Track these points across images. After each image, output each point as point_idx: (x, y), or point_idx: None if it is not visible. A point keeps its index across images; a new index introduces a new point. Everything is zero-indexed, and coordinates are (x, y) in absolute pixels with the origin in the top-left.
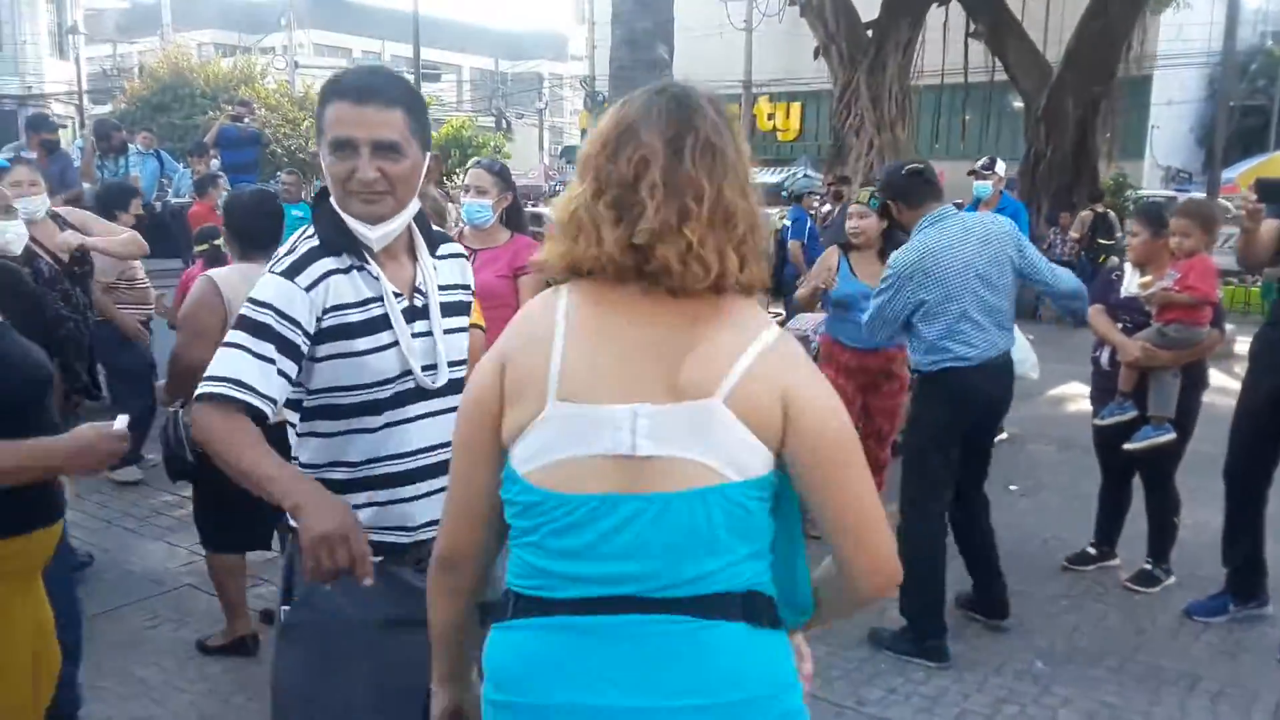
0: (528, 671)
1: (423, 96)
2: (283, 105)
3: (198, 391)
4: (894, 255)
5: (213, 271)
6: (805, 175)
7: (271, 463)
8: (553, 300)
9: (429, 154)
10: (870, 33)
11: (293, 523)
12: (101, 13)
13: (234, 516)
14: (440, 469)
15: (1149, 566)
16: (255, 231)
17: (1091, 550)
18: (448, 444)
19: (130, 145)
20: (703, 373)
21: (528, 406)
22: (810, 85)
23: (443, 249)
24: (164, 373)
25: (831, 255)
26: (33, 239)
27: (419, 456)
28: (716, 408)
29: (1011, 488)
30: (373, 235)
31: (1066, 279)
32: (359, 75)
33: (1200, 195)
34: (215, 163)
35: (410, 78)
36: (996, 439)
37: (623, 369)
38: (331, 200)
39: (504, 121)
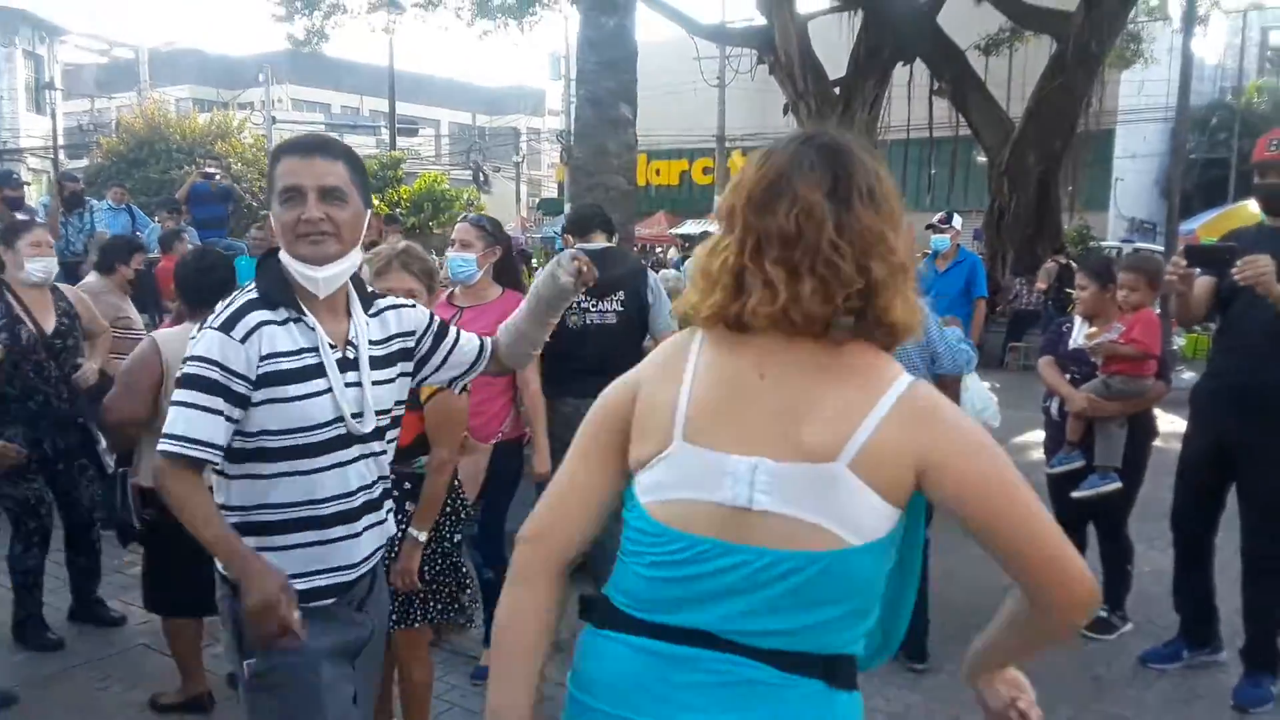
0: (612, 682)
1: (361, 161)
2: (259, 160)
3: (159, 448)
4: None
5: (157, 332)
6: None
7: (224, 534)
8: (688, 340)
9: (369, 211)
10: (838, 90)
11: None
12: (80, 68)
13: (183, 580)
14: (369, 508)
15: (1105, 614)
16: (200, 289)
17: None
18: (370, 484)
19: (90, 200)
20: (827, 434)
21: (656, 438)
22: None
23: (377, 305)
24: None
25: None
26: (22, 304)
27: (351, 498)
28: (840, 472)
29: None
30: (319, 276)
31: (949, 349)
32: (306, 136)
33: (1148, 249)
34: (186, 220)
35: (387, 133)
36: None
37: (749, 418)
38: (280, 255)
39: (481, 175)
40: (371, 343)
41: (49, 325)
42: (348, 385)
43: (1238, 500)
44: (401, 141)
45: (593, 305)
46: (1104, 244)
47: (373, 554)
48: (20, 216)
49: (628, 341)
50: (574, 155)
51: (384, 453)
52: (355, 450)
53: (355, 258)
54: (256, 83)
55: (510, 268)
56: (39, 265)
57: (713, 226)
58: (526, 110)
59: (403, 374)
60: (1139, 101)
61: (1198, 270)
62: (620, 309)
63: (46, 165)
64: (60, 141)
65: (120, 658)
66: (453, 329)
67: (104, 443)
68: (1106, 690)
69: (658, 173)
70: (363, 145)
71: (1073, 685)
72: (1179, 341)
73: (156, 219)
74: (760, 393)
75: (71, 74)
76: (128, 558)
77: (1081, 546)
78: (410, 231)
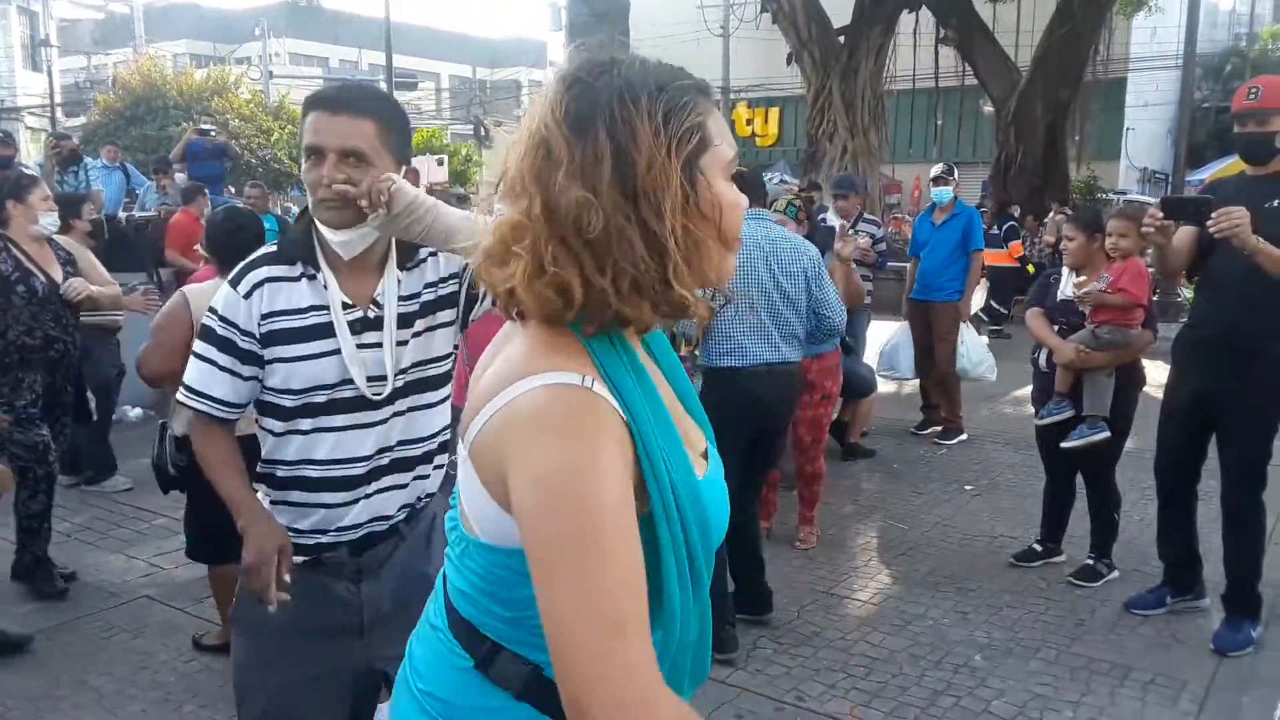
0: None
1: (404, 113)
2: (257, 115)
3: (181, 398)
4: None
5: (187, 287)
6: (782, 180)
7: (237, 485)
8: None
9: (405, 168)
10: (842, 39)
11: None
12: (75, 24)
13: (227, 527)
14: (381, 473)
15: (1091, 561)
16: (228, 248)
17: (1037, 547)
18: (387, 448)
19: (87, 159)
20: (469, 412)
21: None
22: (788, 90)
23: (419, 255)
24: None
25: None
26: (29, 258)
27: (358, 464)
28: (464, 455)
29: (966, 488)
30: (336, 240)
31: (832, 319)
32: (337, 87)
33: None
34: (181, 176)
35: (384, 86)
36: (955, 440)
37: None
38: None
39: (483, 129)
40: (402, 299)
41: (57, 275)
42: (364, 346)
43: (1218, 449)
44: (400, 96)
45: None
46: (1110, 194)
47: (374, 520)
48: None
49: None
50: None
51: (427, 407)
52: (366, 415)
53: (376, 221)
54: (253, 37)
55: None
56: (51, 220)
57: None
58: (528, 62)
59: (442, 324)
60: (1151, 49)
61: (1173, 223)
62: None
63: (44, 123)
64: (57, 99)
65: (125, 609)
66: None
67: (88, 389)
68: (1089, 634)
69: None
70: None
71: (1057, 629)
72: (1186, 293)
73: (151, 178)
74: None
75: (67, 30)
76: (128, 509)
77: (1070, 496)
78: None
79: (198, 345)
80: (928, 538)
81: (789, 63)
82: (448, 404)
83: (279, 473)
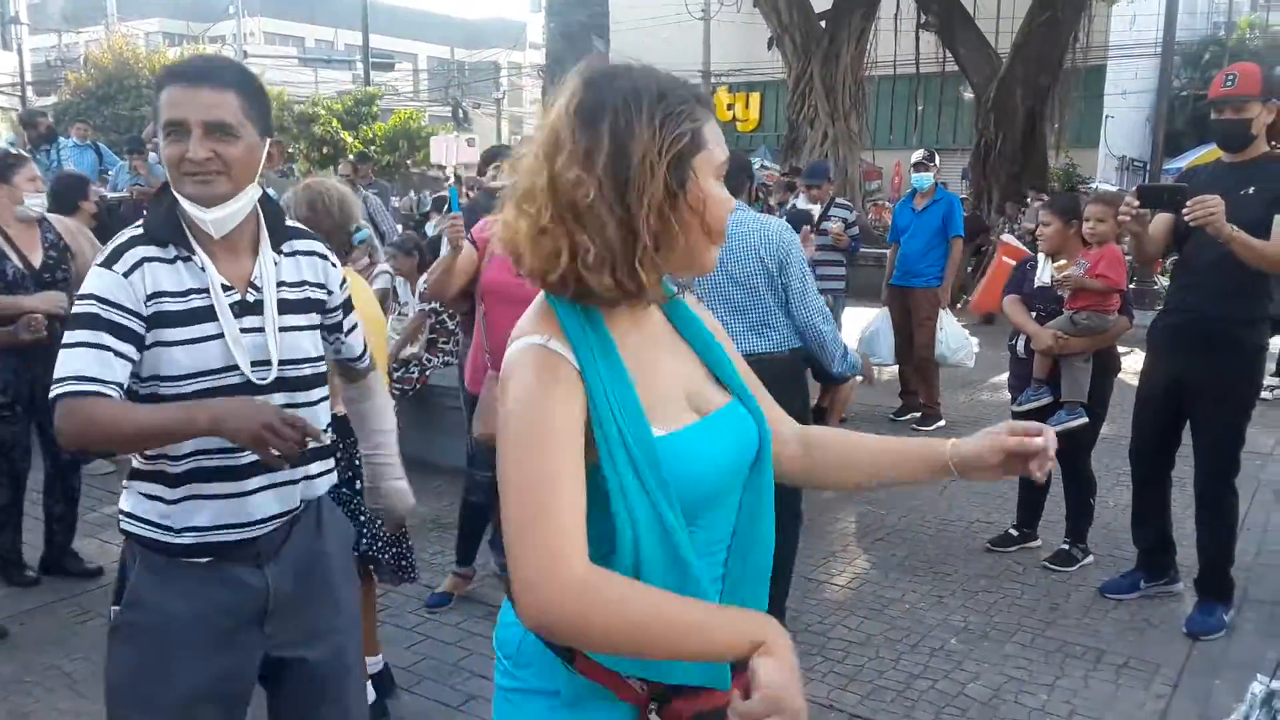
0: None
1: (263, 85)
2: None
3: (51, 395)
4: None
5: None
6: (763, 165)
7: (159, 409)
8: None
9: (269, 139)
10: (824, 23)
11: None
12: (46, 1)
13: None
14: (264, 467)
15: (1066, 546)
16: None
17: (1013, 532)
18: None
19: (59, 138)
20: None
21: None
22: (769, 75)
23: (293, 244)
24: None
25: None
26: (8, 239)
27: (246, 453)
28: None
29: None
30: (208, 218)
31: (813, 318)
32: (193, 60)
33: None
34: (154, 156)
35: (361, 66)
36: (933, 426)
37: None
38: (172, 190)
39: (461, 111)
40: (282, 285)
41: (36, 259)
42: (245, 330)
43: (1191, 434)
44: (377, 76)
45: None
46: (1089, 184)
47: (276, 516)
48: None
49: None
50: (546, 90)
51: (308, 405)
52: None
53: (251, 194)
54: (227, 15)
55: None
56: (37, 201)
57: None
58: (507, 44)
59: (314, 326)
60: (1131, 36)
61: (1149, 211)
62: None
63: (14, 102)
64: (28, 78)
65: (100, 593)
66: (353, 315)
67: None
68: (1064, 618)
69: None
70: (338, 81)
71: (1032, 613)
72: (1163, 281)
73: (123, 158)
74: None
75: (37, 8)
76: (100, 493)
77: (1046, 483)
78: (385, 170)
79: (79, 334)
80: (905, 523)
81: (770, 47)
82: (325, 405)
83: (171, 469)
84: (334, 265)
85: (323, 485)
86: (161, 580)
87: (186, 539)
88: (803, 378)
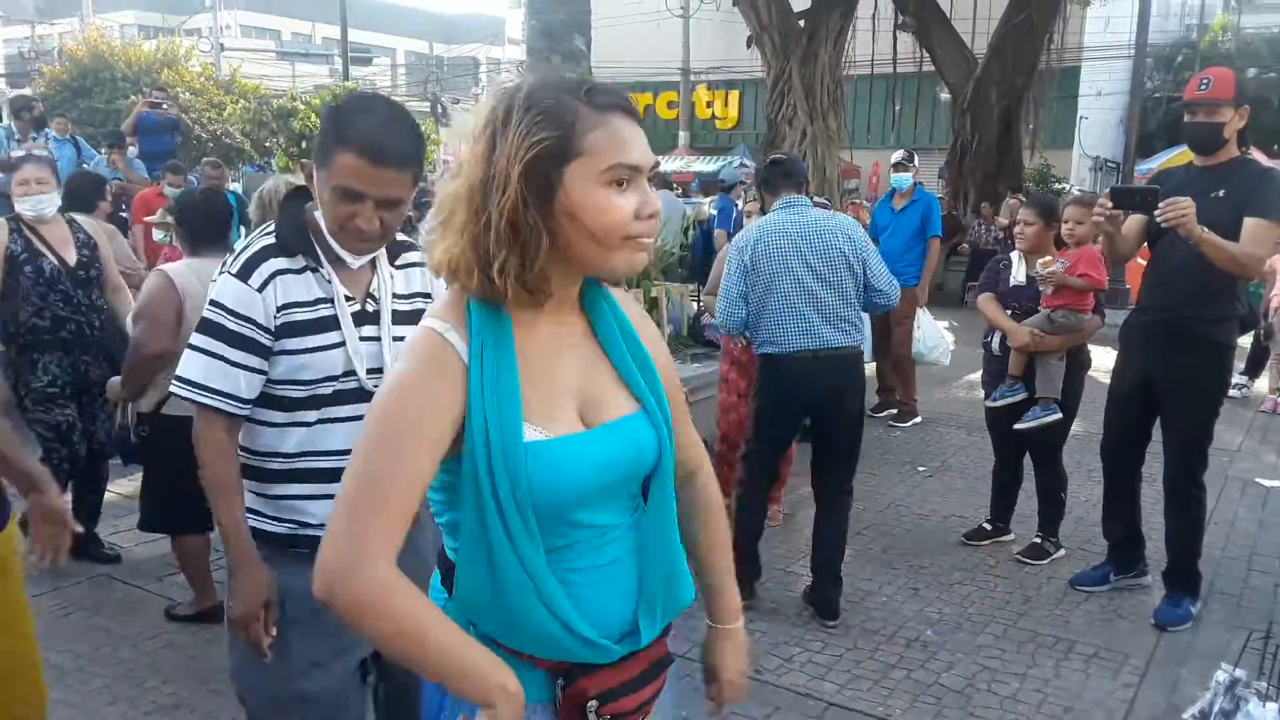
0: None
1: (423, 140)
2: (207, 89)
3: (181, 392)
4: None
5: (165, 266)
6: (742, 164)
7: (237, 518)
8: None
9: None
10: (802, 22)
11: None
12: None
13: (186, 498)
14: None
15: (1039, 540)
16: (204, 228)
17: (987, 526)
18: None
19: (46, 130)
20: None
21: None
22: (749, 73)
23: (403, 258)
24: None
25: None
26: (40, 238)
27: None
28: None
29: (919, 469)
30: (354, 264)
31: (891, 288)
32: (376, 129)
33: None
34: (133, 150)
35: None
36: (909, 423)
37: None
38: (307, 208)
39: (440, 107)
40: (396, 296)
41: (71, 257)
42: (364, 339)
43: (1161, 430)
44: (355, 71)
45: None
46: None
47: None
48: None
49: None
50: None
51: None
52: (363, 408)
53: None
54: (203, 8)
55: None
56: (27, 205)
57: (682, 162)
58: (485, 39)
59: None
60: (1105, 38)
61: (1121, 213)
62: None
63: None
64: (1, 69)
65: (82, 586)
66: None
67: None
68: (1036, 609)
69: None
70: (315, 75)
71: (1005, 605)
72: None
73: (102, 152)
74: None
75: None
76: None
77: (1018, 477)
78: None
79: (200, 339)
80: (882, 517)
81: (749, 46)
82: None
83: (272, 465)
84: (426, 270)
85: None
86: (270, 564)
87: (284, 529)
88: (864, 372)
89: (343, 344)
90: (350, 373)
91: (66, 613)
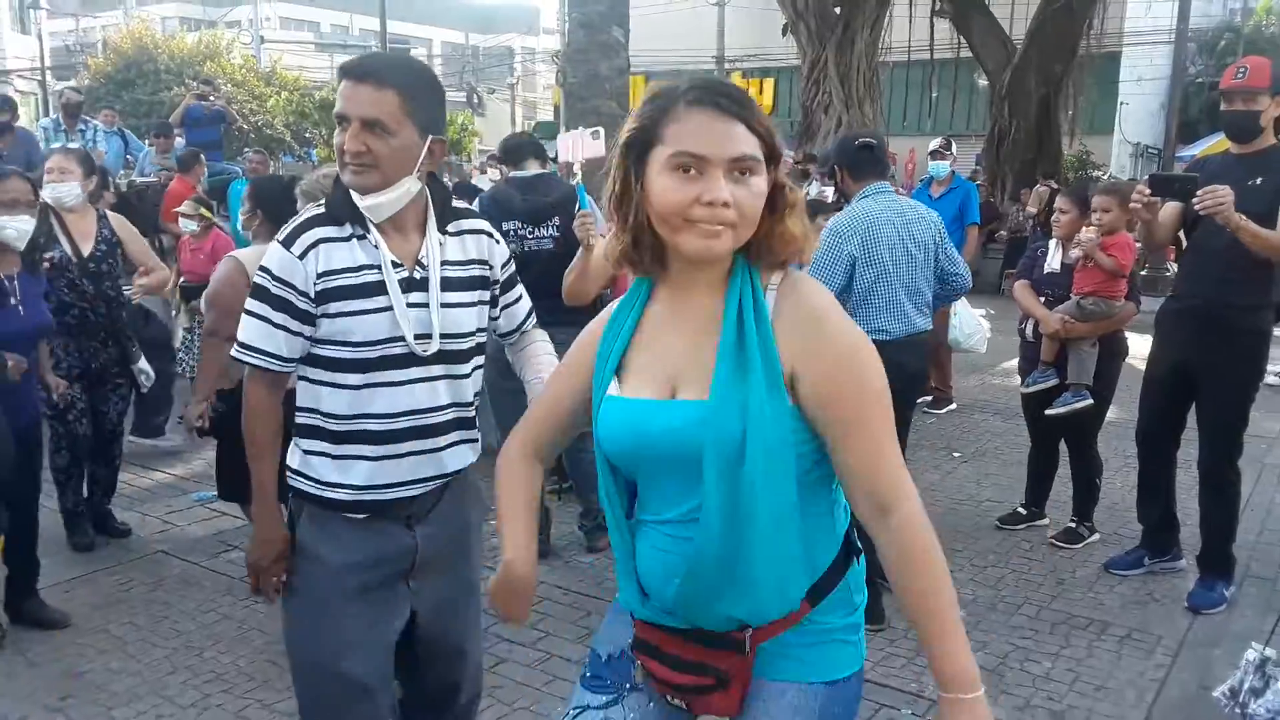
0: None
1: (433, 82)
2: (249, 81)
3: (234, 353)
4: (835, 217)
5: (238, 252)
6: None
7: (270, 477)
8: None
9: (431, 137)
10: (838, 9)
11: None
12: None
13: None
14: (425, 432)
15: (1074, 524)
16: (285, 212)
17: (1022, 511)
18: (433, 409)
19: (89, 119)
20: None
21: None
22: (783, 61)
23: (460, 224)
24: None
25: None
26: (63, 226)
27: (404, 419)
28: None
29: (955, 454)
30: (363, 204)
31: (959, 280)
32: (365, 57)
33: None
34: (180, 142)
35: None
36: (945, 409)
37: None
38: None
39: (476, 97)
40: (447, 263)
41: (86, 248)
42: (412, 305)
43: (1196, 415)
44: None
45: (530, 232)
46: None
47: (426, 479)
48: None
49: (566, 267)
50: (567, 79)
51: (462, 377)
52: (416, 371)
53: (407, 186)
54: (244, 0)
55: None
56: (48, 191)
57: None
58: (521, 29)
59: (481, 301)
60: (1146, 23)
61: (1159, 200)
62: (557, 234)
63: (34, 87)
64: (47, 62)
65: (141, 563)
66: (518, 286)
67: (142, 361)
68: (1069, 592)
69: None
70: None
71: (1039, 588)
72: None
73: (148, 142)
74: None
75: None
76: (136, 467)
77: (1054, 463)
78: None
79: (250, 304)
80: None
81: (784, 33)
82: (478, 376)
83: (332, 426)
84: (497, 242)
85: (470, 455)
86: (320, 531)
87: (343, 494)
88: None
89: (390, 309)
90: (398, 338)
91: (127, 588)
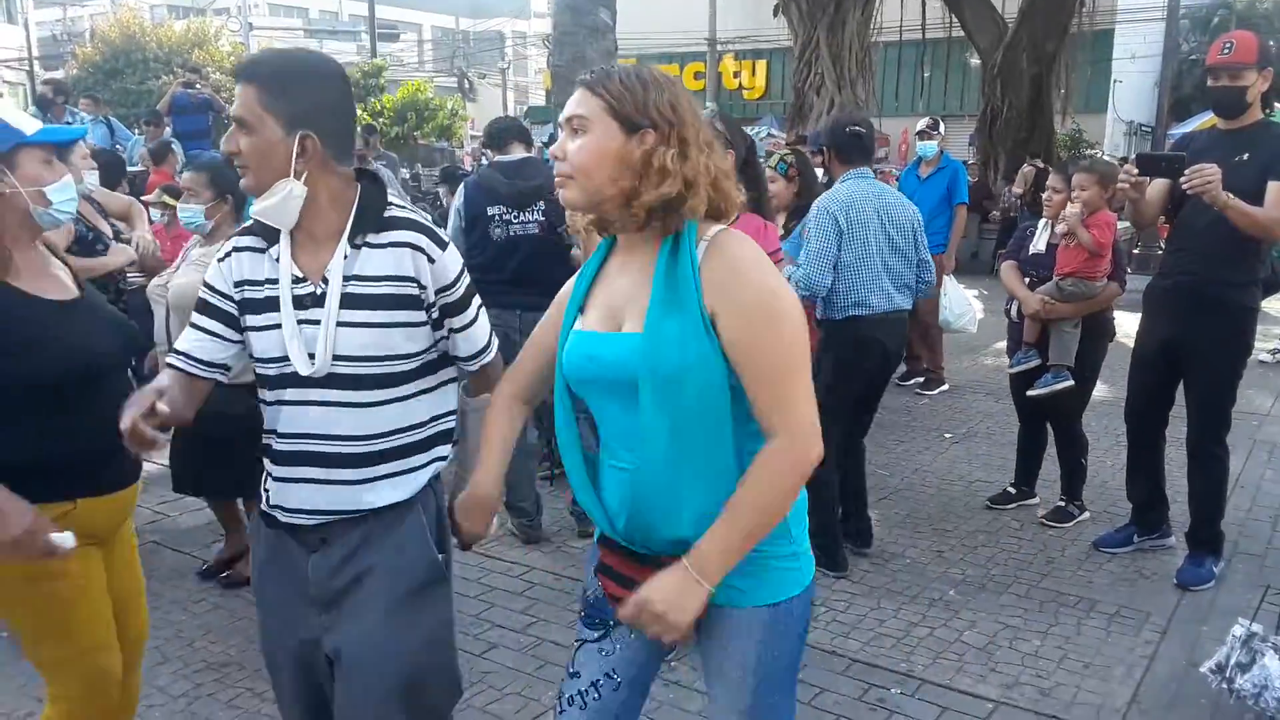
0: None
1: (304, 71)
2: None
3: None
4: (820, 198)
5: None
6: (770, 134)
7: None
8: None
9: (299, 133)
10: None
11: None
12: None
13: (215, 462)
14: (324, 460)
15: (1063, 503)
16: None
17: (1011, 490)
18: (331, 436)
19: (73, 109)
20: None
21: None
22: (776, 43)
23: (387, 236)
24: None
25: None
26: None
27: (289, 441)
28: None
29: (946, 435)
30: (252, 211)
31: (928, 273)
32: (249, 56)
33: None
34: (169, 130)
35: (367, 38)
36: (937, 390)
37: None
38: None
39: (466, 82)
40: (355, 279)
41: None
42: (305, 322)
43: (1184, 393)
44: (382, 48)
45: (515, 217)
46: (1093, 151)
47: (318, 512)
48: None
49: (551, 251)
50: (553, 61)
51: (369, 405)
52: (313, 393)
53: (287, 189)
54: None
55: (751, 177)
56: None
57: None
58: (511, 12)
59: (402, 323)
60: (1139, 1)
61: (1147, 179)
62: (541, 218)
63: (21, 77)
64: (35, 52)
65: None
66: (474, 308)
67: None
68: (1059, 570)
69: None
70: (343, 52)
71: (1028, 566)
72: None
73: (137, 131)
74: None
75: None
76: None
77: (1042, 443)
78: (393, 142)
79: (194, 316)
80: (908, 483)
81: (776, 14)
82: (396, 408)
83: (266, 437)
84: (431, 260)
85: (393, 494)
86: (257, 541)
87: (265, 507)
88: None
89: (278, 326)
90: (283, 357)
91: None
